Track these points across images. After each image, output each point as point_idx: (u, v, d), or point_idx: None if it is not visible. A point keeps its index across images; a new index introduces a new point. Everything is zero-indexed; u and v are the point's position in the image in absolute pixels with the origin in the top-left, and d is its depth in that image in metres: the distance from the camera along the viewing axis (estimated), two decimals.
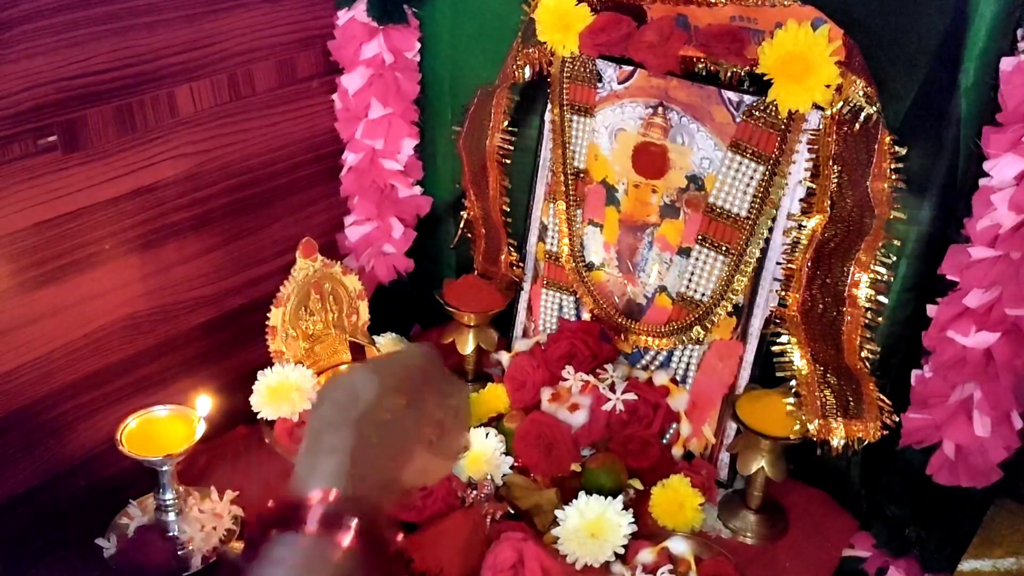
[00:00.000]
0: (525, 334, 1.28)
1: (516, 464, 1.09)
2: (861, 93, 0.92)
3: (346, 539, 0.52)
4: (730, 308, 1.07)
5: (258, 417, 1.15)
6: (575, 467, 1.08)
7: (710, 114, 1.04)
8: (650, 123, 1.09)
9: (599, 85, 1.13)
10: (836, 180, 0.97)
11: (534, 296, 1.26)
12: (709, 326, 1.09)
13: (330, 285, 1.23)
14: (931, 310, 0.93)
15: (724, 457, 1.11)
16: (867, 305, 0.99)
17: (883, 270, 0.98)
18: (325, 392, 0.61)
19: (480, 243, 1.33)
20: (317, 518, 0.52)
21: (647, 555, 0.97)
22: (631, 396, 1.09)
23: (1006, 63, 0.84)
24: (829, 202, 0.98)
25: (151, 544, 0.98)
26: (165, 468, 0.99)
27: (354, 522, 0.52)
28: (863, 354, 1.01)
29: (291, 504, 0.54)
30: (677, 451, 1.12)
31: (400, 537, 0.59)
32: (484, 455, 1.07)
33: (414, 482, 0.66)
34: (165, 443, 0.99)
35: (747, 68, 0.99)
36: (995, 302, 0.87)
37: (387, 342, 1.28)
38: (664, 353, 1.14)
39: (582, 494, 1.01)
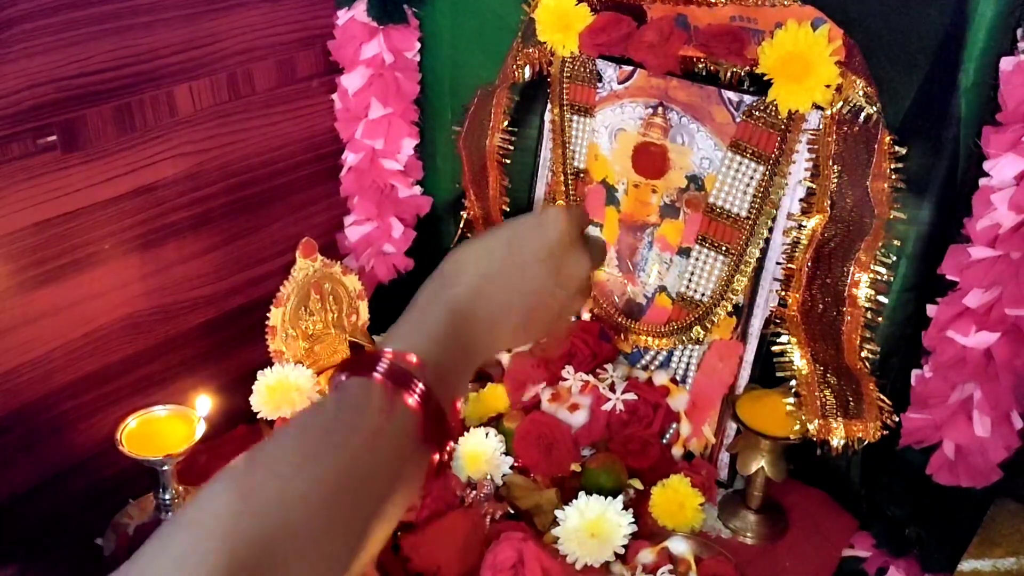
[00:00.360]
0: None
1: (516, 464, 1.09)
2: (861, 93, 0.92)
3: (410, 400, 0.50)
4: (730, 308, 1.07)
5: (258, 417, 1.15)
6: (575, 467, 1.08)
7: (710, 114, 1.04)
8: (650, 123, 1.09)
9: (599, 85, 1.13)
10: (836, 180, 0.97)
11: None
12: (709, 326, 1.09)
13: (330, 285, 1.23)
14: (931, 310, 0.93)
15: (724, 457, 1.11)
16: (867, 305, 0.99)
17: (883, 270, 0.98)
18: (448, 257, 0.59)
19: None
20: (384, 370, 0.50)
21: (647, 555, 0.97)
22: (631, 396, 1.09)
23: (1006, 63, 0.83)
24: (829, 202, 0.98)
25: None
26: (165, 468, 0.99)
27: (420, 387, 0.50)
28: (863, 354, 1.01)
29: (371, 354, 0.52)
30: (677, 451, 1.12)
31: (460, 406, 0.57)
32: (484, 455, 1.07)
33: (516, 344, 0.62)
34: (165, 443, 0.99)
35: (747, 68, 0.99)
36: (995, 302, 0.87)
37: None
38: (664, 353, 1.14)
39: (582, 494, 1.01)
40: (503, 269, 0.60)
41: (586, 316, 1.20)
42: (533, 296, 0.60)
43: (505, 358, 1.21)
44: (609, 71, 1.12)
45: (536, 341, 0.62)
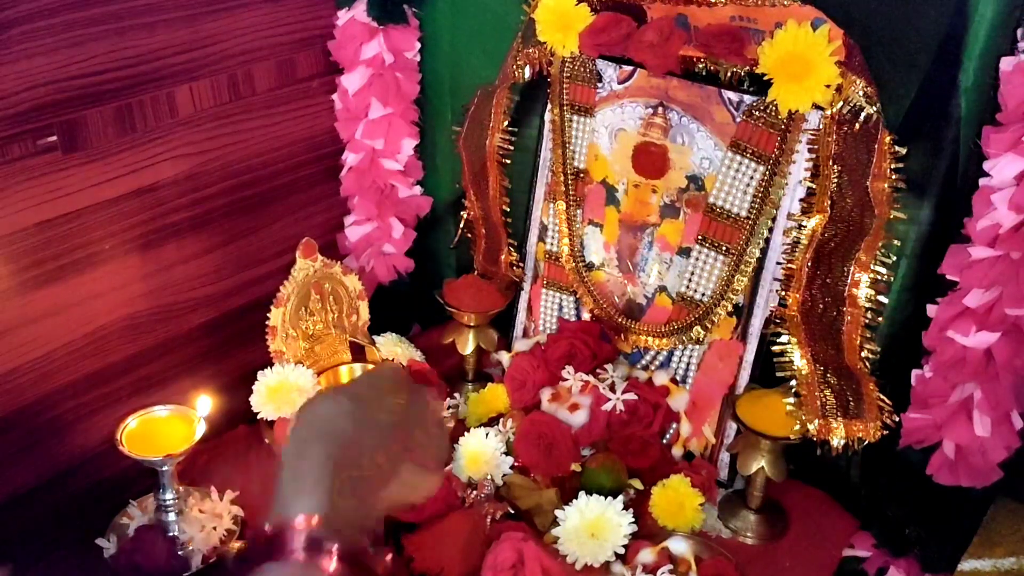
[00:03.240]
0: (525, 334, 1.28)
1: (516, 464, 1.09)
2: (861, 93, 0.92)
3: (330, 564, 0.52)
4: (730, 308, 1.07)
5: (258, 417, 1.15)
6: (575, 467, 1.08)
7: (710, 114, 1.04)
8: (650, 123, 1.09)
9: (599, 85, 1.13)
10: (836, 180, 0.97)
11: (534, 296, 1.26)
12: (709, 326, 1.09)
13: (330, 285, 1.23)
14: (931, 310, 0.93)
15: (724, 457, 1.11)
16: (867, 305, 0.99)
17: (883, 270, 0.98)
18: (299, 419, 0.61)
19: (480, 243, 1.33)
20: (301, 544, 0.53)
21: (647, 555, 0.96)
22: (631, 396, 1.09)
23: (1006, 63, 0.84)
24: (829, 202, 0.98)
25: (151, 544, 0.98)
26: (165, 468, 0.99)
27: (335, 547, 0.53)
28: (863, 354, 1.01)
29: (274, 532, 0.54)
30: (677, 451, 1.12)
31: (388, 558, 0.59)
32: (484, 455, 1.07)
33: (402, 500, 0.66)
34: (165, 443, 0.99)
35: (747, 68, 0.99)
36: (995, 302, 0.87)
37: (387, 342, 1.28)
38: (664, 353, 1.14)
39: (582, 494, 1.01)
40: (358, 418, 0.63)
41: (586, 316, 1.20)
42: (391, 435, 0.63)
43: (505, 358, 1.21)
44: (609, 71, 1.12)
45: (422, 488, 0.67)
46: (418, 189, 1.35)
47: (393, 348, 1.27)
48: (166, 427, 1.02)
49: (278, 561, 0.52)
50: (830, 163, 0.97)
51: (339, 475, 0.57)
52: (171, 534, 1.01)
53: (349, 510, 0.57)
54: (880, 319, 0.99)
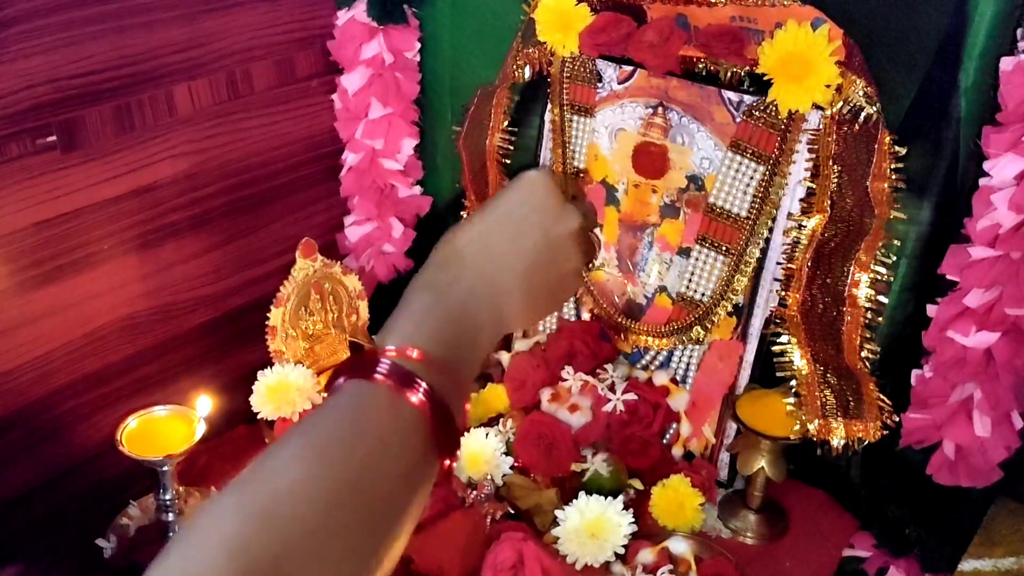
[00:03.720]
0: (525, 334, 1.28)
1: (516, 464, 1.09)
2: (861, 93, 0.92)
3: (414, 399, 0.48)
4: (730, 308, 1.07)
5: (258, 417, 1.15)
6: (575, 467, 1.08)
7: (710, 114, 1.04)
8: (650, 123, 1.09)
9: (599, 85, 1.13)
10: (836, 180, 0.97)
11: None
12: (709, 326, 1.09)
13: (330, 285, 1.23)
14: (931, 310, 0.93)
15: (724, 457, 1.11)
16: (867, 305, 0.99)
17: (883, 270, 0.98)
18: (438, 246, 0.57)
19: None
20: (386, 370, 0.49)
21: (647, 555, 0.97)
22: (631, 396, 1.09)
23: (1006, 63, 0.83)
24: (829, 202, 0.98)
25: (151, 544, 0.98)
26: (165, 468, 0.99)
27: (425, 386, 0.49)
28: (863, 354, 1.01)
29: (366, 354, 0.50)
30: (677, 451, 1.12)
31: (468, 407, 0.55)
32: (484, 455, 1.07)
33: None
34: (165, 443, 0.99)
35: (747, 68, 0.99)
36: (995, 302, 0.87)
37: None
38: (664, 353, 1.14)
39: (582, 494, 1.01)
40: (497, 246, 0.58)
41: (586, 316, 1.20)
42: (531, 264, 0.58)
43: (505, 358, 1.21)
44: (609, 71, 1.12)
45: (543, 314, 0.61)
46: (418, 189, 1.35)
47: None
48: (166, 427, 1.02)
49: (359, 379, 0.49)
50: (830, 163, 0.97)
51: (456, 311, 0.53)
52: (171, 534, 1.01)
53: (460, 351, 0.53)
54: (880, 319, 0.99)
